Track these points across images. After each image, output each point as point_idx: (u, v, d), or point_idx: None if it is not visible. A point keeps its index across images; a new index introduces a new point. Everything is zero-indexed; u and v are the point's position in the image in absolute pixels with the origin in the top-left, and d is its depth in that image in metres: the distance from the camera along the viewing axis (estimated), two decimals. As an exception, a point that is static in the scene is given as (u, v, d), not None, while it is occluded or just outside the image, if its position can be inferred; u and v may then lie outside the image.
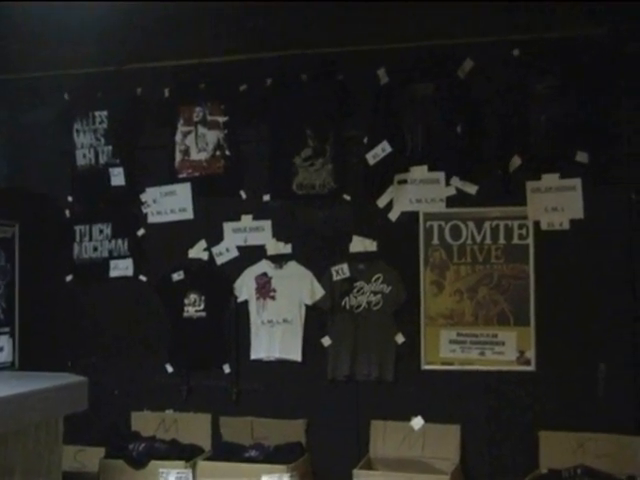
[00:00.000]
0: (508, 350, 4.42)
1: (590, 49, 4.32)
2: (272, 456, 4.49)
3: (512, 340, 4.42)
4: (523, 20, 4.37)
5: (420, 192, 4.53)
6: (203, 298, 4.83)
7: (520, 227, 4.44)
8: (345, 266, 4.63)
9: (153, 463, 4.46)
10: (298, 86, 4.71)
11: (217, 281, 4.83)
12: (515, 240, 4.45)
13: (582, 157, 4.34)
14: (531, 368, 4.38)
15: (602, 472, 4.09)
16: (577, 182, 4.36)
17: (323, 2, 4.43)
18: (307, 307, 4.71)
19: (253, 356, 4.76)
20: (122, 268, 4.96)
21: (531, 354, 4.39)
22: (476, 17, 4.43)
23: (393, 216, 4.58)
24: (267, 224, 4.77)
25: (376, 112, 4.59)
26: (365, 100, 4.60)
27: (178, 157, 4.89)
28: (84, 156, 5.02)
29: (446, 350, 4.50)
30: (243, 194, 4.82)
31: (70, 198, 5.05)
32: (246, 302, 4.79)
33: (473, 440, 4.44)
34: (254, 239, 4.79)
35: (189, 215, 4.88)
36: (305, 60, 4.66)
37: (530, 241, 4.42)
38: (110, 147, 4.98)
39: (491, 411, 4.42)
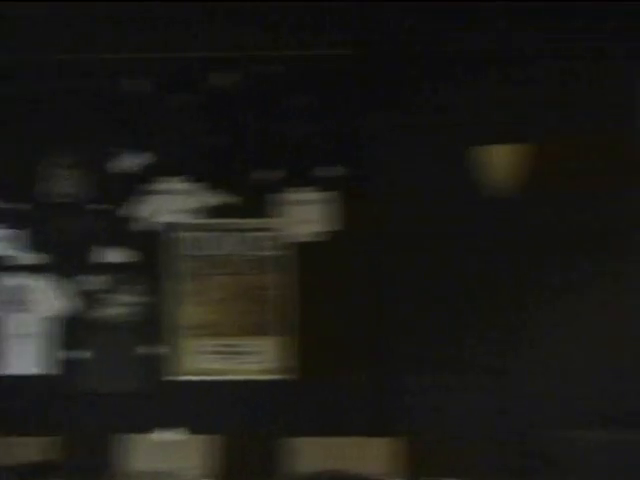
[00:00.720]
0: (265, 359, 4.49)
1: (347, 67, 4.50)
2: (23, 475, 4.33)
3: (269, 350, 4.49)
4: (285, 37, 4.48)
5: (176, 203, 4.53)
6: (-52, 311, 4.59)
7: (277, 238, 4.53)
8: (98, 277, 4.54)
9: None
10: (50, 93, 4.57)
11: (-37, 293, 4.61)
12: (272, 251, 4.53)
13: (337, 171, 4.50)
14: (287, 377, 4.46)
15: (349, 474, 4.25)
16: (331, 195, 4.51)
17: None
18: (59, 319, 4.58)
19: (4, 371, 4.56)
20: None
21: (286, 363, 4.47)
22: (241, 31, 4.49)
23: (148, 226, 4.54)
24: (18, 234, 4.59)
25: (133, 121, 4.54)
26: (122, 109, 4.55)
27: None
28: None
29: (203, 360, 4.51)
30: (-7, 202, 4.64)
31: None
32: (-5, 315, 4.60)
33: (229, 450, 4.45)
34: (4, 249, 4.59)
35: None
36: (58, 66, 4.54)
37: (287, 252, 4.52)
38: None
39: (248, 420, 4.47)
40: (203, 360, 4.51)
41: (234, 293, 4.52)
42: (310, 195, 4.54)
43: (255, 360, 4.49)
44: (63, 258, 4.58)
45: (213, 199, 4.54)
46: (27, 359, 4.56)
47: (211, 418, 4.46)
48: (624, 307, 4.06)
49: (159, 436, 4.44)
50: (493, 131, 4.32)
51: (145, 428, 4.46)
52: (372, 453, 4.33)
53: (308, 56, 4.49)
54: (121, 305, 4.55)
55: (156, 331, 4.54)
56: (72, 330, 4.57)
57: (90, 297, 4.56)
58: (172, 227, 4.55)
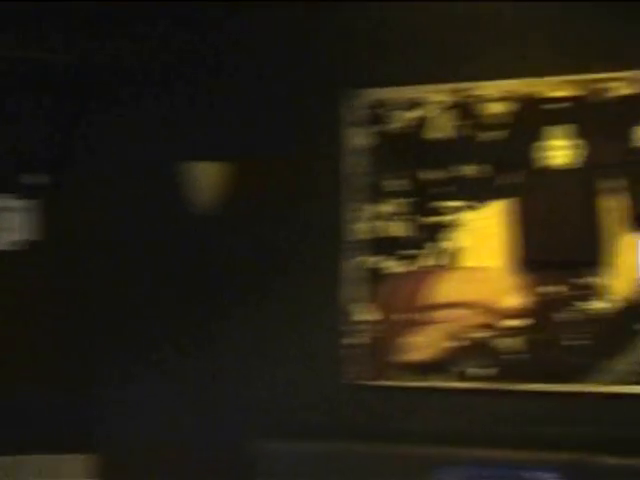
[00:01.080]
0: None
1: (59, 73, 4.37)
2: None
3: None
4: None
5: None
6: None
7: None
8: None
9: None
10: None
11: None
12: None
13: (42, 179, 4.38)
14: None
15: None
16: (34, 203, 4.37)
17: None
18: None
19: None
20: None
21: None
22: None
23: None
24: None
25: None
26: None
27: None
28: None
29: None
30: None
31: None
32: None
33: None
34: None
35: None
36: None
37: (-15, 261, 4.34)
38: None
39: None
40: None
41: None
42: (12, 202, 4.37)
43: None
44: None
45: None
46: None
47: None
48: (313, 322, 4.24)
49: None
50: (199, 147, 4.37)
51: None
52: (69, 470, 4.22)
53: (18, 58, 4.34)
54: None
55: None
56: None
57: None
58: None
